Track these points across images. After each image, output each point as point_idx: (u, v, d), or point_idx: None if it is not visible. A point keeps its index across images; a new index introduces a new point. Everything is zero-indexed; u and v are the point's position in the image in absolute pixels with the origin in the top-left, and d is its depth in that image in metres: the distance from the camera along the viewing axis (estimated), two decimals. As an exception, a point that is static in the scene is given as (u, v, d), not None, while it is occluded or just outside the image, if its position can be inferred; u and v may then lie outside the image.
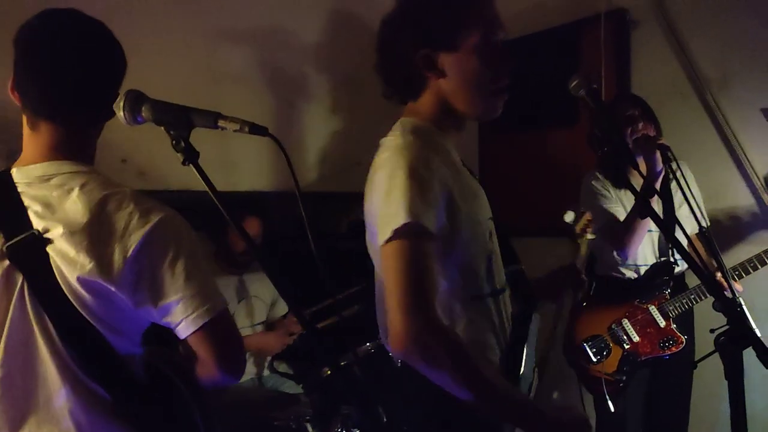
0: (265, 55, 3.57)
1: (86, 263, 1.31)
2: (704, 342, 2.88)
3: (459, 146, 1.69)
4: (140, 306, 1.35)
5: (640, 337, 2.82)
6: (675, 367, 2.87)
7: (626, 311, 2.84)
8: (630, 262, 2.89)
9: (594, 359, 2.82)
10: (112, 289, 1.33)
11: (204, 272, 1.41)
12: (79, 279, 1.32)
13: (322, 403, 2.79)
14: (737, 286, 2.59)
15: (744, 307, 2.08)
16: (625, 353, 2.82)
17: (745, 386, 1.31)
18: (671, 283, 2.85)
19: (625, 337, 2.82)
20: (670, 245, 2.83)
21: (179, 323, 1.36)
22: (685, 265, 2.93)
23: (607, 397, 2.74)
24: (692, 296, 2.82)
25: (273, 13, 3.59)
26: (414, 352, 1.36)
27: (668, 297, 2.83)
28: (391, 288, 1.40)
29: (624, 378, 2.81)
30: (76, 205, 1.35)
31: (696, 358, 2.83)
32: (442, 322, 1.40)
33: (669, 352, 2.81)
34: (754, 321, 2.33)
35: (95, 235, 1.33)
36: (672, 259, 2.86)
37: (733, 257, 2.82)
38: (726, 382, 1.33)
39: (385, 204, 1.44)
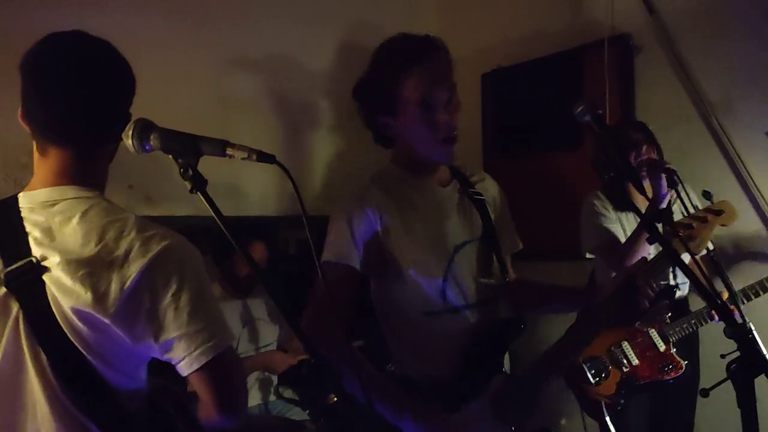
0: (271, 83, 3.59)
1: (81, 293, 1.27)
2: (713, 368, 2.86)
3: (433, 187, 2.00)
4: (139, 341, 1.30)
5: (639, 360, 2.79)
6: (677, 393, 2.86)
7: (626, 334, 2.82)
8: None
9: (592, 381, 2.79)
10: (107, 321, 1.27)
11: (211, 305, 1.36)
12: (73, 309, 1.27)
13: (328, 430, 2.76)
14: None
15: (755, 333, 2.05)
16: (624, 376, 2.79)
17: (759, 415, 1.30)
18: (672, 307, 2.83)
19: (624, 360, 2.79)
20: (671, 269, 2.82)
21: (181, 360, 1.31)
22: (687, 290, 2.92)
23: (608, 420, 2.71)
24: (693, 321, 2.81)
25: (280, 41, 3.62)
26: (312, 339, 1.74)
27: (668, 321, 2.82)
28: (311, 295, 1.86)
29: (622, 401, 2.78)
30: (75, 233, 1.31)
31: (701, 385, 2.82)
32: (325, 323, 1.77)
33: (668, 377, 2.79)
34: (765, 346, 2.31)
35: (93, 264, 1.28)
36: (673, 283, 2.84)
37: (739, 282, 2.80)
38: (736, 410, 1.32)
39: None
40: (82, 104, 1.39)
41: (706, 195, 2.58)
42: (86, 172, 1.42)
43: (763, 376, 1.30)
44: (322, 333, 1.66)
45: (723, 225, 2.10)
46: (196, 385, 1.33)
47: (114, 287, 1.27)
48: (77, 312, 1.27)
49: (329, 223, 1.91)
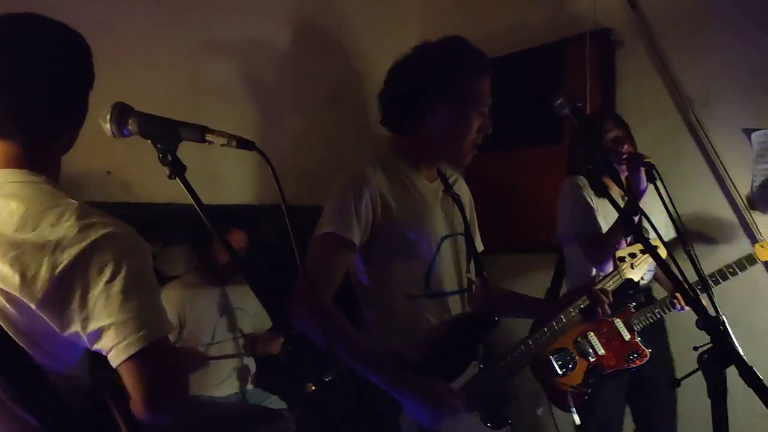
0: (248, 68, 3.57)
1: (9, 275, 1.21)
2: (687, 359, 2.91)
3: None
4: (67, 329, 1.23)
5: (605, 350, 2.84)
6: (653, 382, 2.91)
7: (592, 324, 2.86)
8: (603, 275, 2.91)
9: (560, 372, 2.84)
10: (33, 306, 1.21)
11: (147, 294, 1.28)
12: (2, 291, 1.23)
13: (306, 419, 2.76)
14: None
15: (727, 325, 2.08)
16: (591, 366, 2.84)
17: (728, 404, 1.32)
18: (637, 297, 2.89)
19: (590, 350, 2.84)
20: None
21: (110, 350, 1.23)
22: (649, 278, 2.96)
23: (573, 410, 2.76)
24: (656, 310, 2.87)
25: (257, 27, 3.60)
26: (295, 315, 1.86)
27: (633, 311, 2.88)
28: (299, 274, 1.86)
29: (588, 391, 2.83)
30: (12, 216, 1.25)
31: (676, 374, 2.87)
32: (321, 300, 1.83)
33: (633, 365, 2.84)
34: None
35: (24, 247, 1.22)
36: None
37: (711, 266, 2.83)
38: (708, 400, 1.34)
39: (323, 214, 1.94)
40: (29, 90, 1.33)
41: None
42: (37, 156, 1.35)
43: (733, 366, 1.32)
44: (315, 306, 1.78)
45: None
46: (125, 377, 1.26)
47: (44, 272, 1.21)
48: (5, 294, 1.23)
49: (331, 196, 1.95)
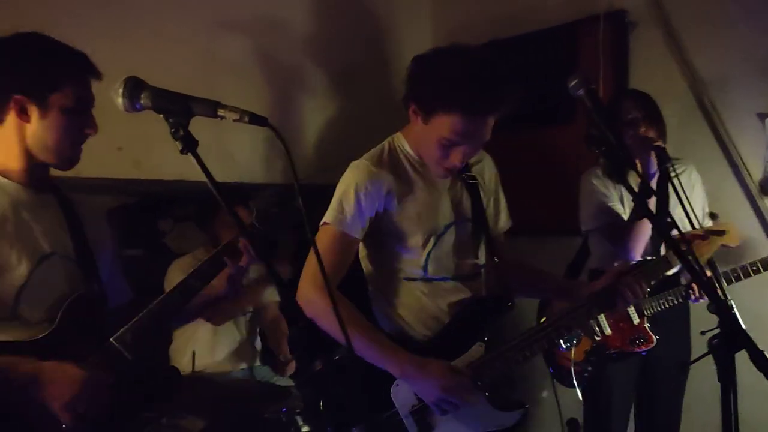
0: (262, 47, 3.55)
1: None
2: (694, 345, 2.90)
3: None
4: None
5: (612, 330, 2.80)
6: (668, 369, 2.89)
7: None
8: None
9: (563, 346, 2.83)
10: None
11: None
12: None
13: (313, 397, 2.79)
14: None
15: (736, 310, 2.08)
16: (594, 344, 2.82)
17: (738, 389, 1.32)
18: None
19: (597, 329, 2.81)
20: (658, 246, 2.84)
21: None
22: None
23: (576, 384, 2.77)
24: (669, 297, 2.83)
25: (271, 6, 3.58)
26: (303, 304, 1.94)
27: (646, 295, 2.85)
28: (307, 258, 1.98)
29: (589, 368, 2.83)
30: None
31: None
32: (325, 289, 1.74)
33: (638, 349, 2.82)
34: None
35: None
36: (657, 257, 2.86)
37: (724, 261, 2.82)
38: (717, 384, 1.34)
39: (332, 200, 2.02)
40: None
41: (712, 216, 2.60)
42: None
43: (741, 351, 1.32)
44: (318, 291, 1.88)
45: (725, 246, 2.14)
46: None
47: None
48: None
49: (339, 186, 2.03)
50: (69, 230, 1.78)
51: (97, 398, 1.60)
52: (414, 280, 2.09)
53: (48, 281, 1.70)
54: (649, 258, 2.66)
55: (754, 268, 2.70)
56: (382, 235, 2.06)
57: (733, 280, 2.71)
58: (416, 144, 2.08)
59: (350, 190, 1.99)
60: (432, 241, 2.06)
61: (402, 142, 2.11)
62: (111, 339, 1.67)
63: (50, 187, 1.82)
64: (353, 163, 2.06)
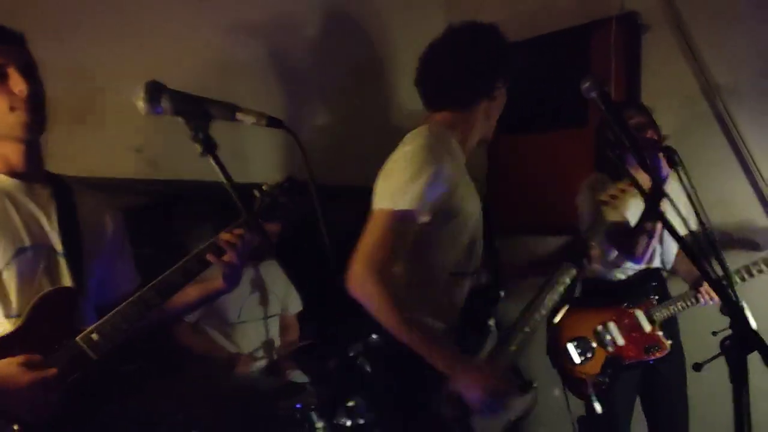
0: (275, 49, 3.58)
1: None
2: (700, 345, 2.90)
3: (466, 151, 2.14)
4: None
5: (625, 341, 2.82)
6: (668, 373, 2.90)
7: (613, 315, 2.86)
8: (624, 265, 2.91)
9: (578, 360, 2.84)
10: None
11: None
12: None
13: (328, 394, 2.80)
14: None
15: (748, 311, 2.09)
16: (609, 356, 2.82)
17: (750, 390, 1.33)
18: (659, 289, 2.87)
19: (609, 340, 2.83)
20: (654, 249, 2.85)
21: None
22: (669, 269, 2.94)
23: (594, 398, 2.74)
24: (679, 303, 2.84)
25: (284, 9, 3.60)
26: (356, 289, 1.84)
27: (655, 303, 2.85)
28: (361, 242, 1.87)
29: (607, 380, 2.82)
30: None
31: (689, 360, 2.85)
32: (381, 277, 1.81)
33: (653, 357, 2.82)
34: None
35: None
36: (661, 265, 2.87)
37: (734, 264, 2.82)
38: (729, 385, 1.35)
39: (390, 183, 1.93)
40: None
41: None
42: None
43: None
44: (372, 288, 1.81)
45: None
46: None
47: None
48: None
49: (400, 167, 1.94)
50: (59, 222, 1.73)
51: (41, 402, 1.55)
52: (458, 274, 2.07)
53: (24, 274, 1.66)
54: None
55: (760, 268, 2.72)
56: (435, 223, 1.98)
57: (746, 278, 2.72)
58: (464, 128, 2.12)
59: (420, 169, 1.90)
60: (475, 225, 2.09)
61: (445, 131, 2.07)
62: (76, 338, 1.64)
63: (45, 177, 1.78)
64: (414, 142, 1.98)
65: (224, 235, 1.77)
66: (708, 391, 2.88)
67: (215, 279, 1.86)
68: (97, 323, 1.66)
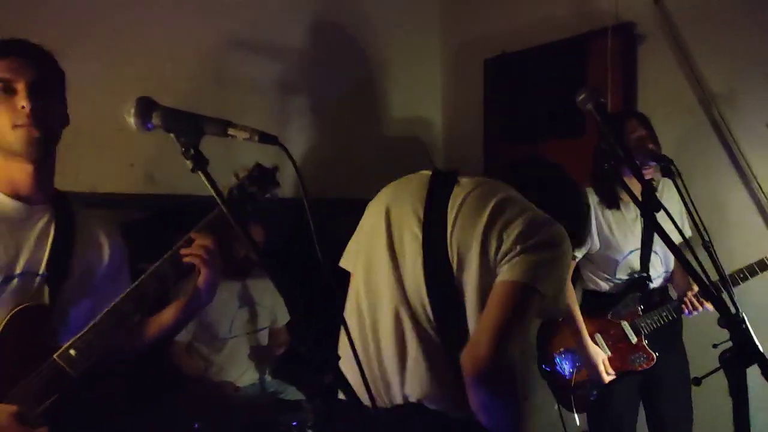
0: (270, 65, 3.59)
1: None
2: (700, 357, 2.88)
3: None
4: None
5: (611, 352, 2.82)
6: (670, 386, 2.88)
7: (600, 326, 2.85)
8: (610, 276, 2.91)
9: (565, 372, 2.83)
10: None
11: None
12: None
13: (324, 410, 2.78)
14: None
15: (748, 324, 2.07)
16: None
17: (749, 404, 1.31)
18: (644, 300, 2.86)
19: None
20: (647, 262, 2.85)
21: None
22: (659, 282, 2.92)
23: (574, 410, 2.78)
24: (664, 314, 2.83)
25: (279, 24, 3.62)
26: (488, 375, 1.57)
27: (641, 313, 2.84)
28: (496, 317, 1.60)
29: (595, 392, 2.82)
30: None
31: (691, 374, 2.84)
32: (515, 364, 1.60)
33: (639, 368, 2.82)
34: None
35: None
36: (646, 275, 2.86)
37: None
38: (728, 399, 1.33)
39: (543, 266, 1.64)
40: None
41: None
42: None
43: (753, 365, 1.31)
44: (504, 385, 1.60)
45: None
46: None
47: None
48: None
49: (551, 250, 1.68)
50: (51, 245, 1.70)
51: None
52: None
53: (8, 300, 1.63)
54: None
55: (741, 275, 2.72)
56: None
57: (739, 282, 2.71)
58: None
59: (565, 258, 1.72)
60: None
61: None
62: (54, 356, 1.61)
63: (50, 198, 1.76)
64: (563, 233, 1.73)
65: (194, 234, 1.77)
66: (709, 401, 2.87)
67: (192, 288, 1.81)
68: (74, 338, 1.63)
